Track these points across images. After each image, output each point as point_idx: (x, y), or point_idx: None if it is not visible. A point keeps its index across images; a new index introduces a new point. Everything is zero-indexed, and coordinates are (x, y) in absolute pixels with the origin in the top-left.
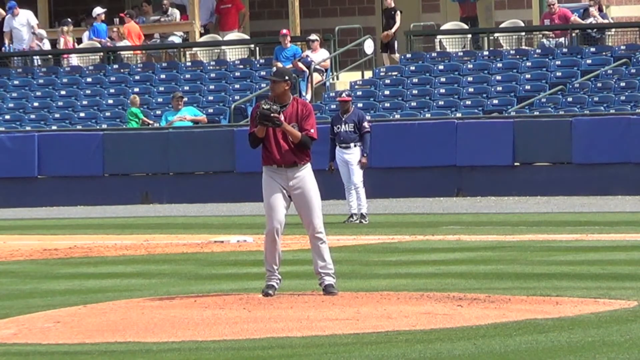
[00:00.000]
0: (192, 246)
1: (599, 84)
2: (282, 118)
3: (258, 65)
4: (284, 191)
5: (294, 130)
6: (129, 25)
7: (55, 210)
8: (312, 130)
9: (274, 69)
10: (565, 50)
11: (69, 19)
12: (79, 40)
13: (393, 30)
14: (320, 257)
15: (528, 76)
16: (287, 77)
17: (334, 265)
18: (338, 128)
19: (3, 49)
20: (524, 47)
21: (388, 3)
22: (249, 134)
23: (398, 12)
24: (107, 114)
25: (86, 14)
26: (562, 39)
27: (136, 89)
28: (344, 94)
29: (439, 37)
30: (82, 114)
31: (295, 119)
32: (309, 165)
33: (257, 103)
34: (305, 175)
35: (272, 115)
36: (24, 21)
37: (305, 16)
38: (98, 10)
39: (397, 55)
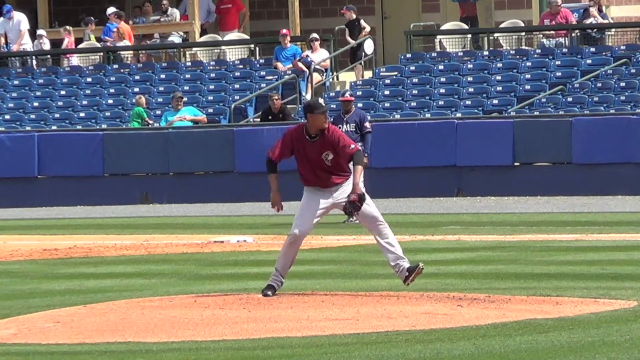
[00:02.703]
0: (192, 246)
1: (599, 84)
2: (318, 148)
3: (258, 65)
4: (327, 204)
5: (358, 177)
6: (120, 25)
7: (55, 210)
8: (352, 147)
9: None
10: (565, 50)
11: (92, 18)
12: (98, 39)
13: (366, 30)
14: (389, 252)
15: (528, 76)
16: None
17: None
18: (339, 128)
19: (2, 49)
20: (524, 47)
21: (349, 15)
22: (269, 160)
23: (362, 21)
24: (107, 114)
25: (86, 14)
26: (562, 39)
27: (136, 89)
28: (346, 94)
29: (439, 37)
30: (82, 114)
31: (329, 148)
32: (350, 177)
33: (291, 132)
34: (349, 186)
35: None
36: (17, 24)
37: (305, 16)
38: (110, 10)
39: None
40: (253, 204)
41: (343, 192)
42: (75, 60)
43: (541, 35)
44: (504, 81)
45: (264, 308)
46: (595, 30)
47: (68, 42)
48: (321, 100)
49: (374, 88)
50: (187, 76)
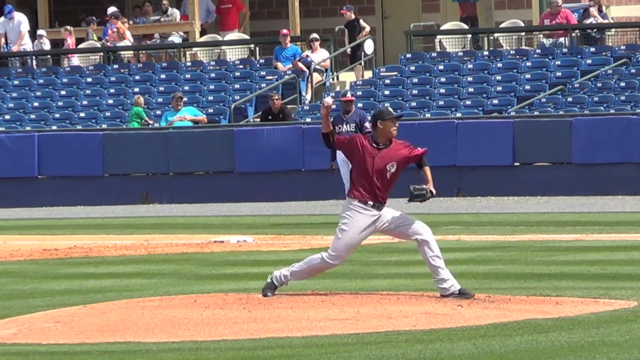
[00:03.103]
0: (192, 246)
1: (599, 84)
2: (384, 157)
3: (258, 65)
4: (369, 231)
5: (431, 176)
6: (118, 26)
7: (55, 210)
8: (419, 149)
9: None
10: (565, 50)
11: (93, 17)
12: (99, 39)
13: (366, 30)
14: (435, 271)
15: (528, 76)
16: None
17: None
18: (340, 128)
19: (2, 49)
20: (524, 47)
21: (349, 16)
22: (330, 137)
23: (362, 21)
24: (107, 114)
25: (86, 14)
26: (562, 39)
27: (136, 89)
28: (347, 94)
29: (439, 37)
30: (82, 114)
31: (395, 159)
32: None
33: (360, 137)
34: (385, 210)
35: (428, 195)
36: (17, 25)
37: (305, 16)
38: (110, 11)
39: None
40: (253, 204)
41: (385, 217)
42: (75, 60)
43: (541, 35)
44: (504, 81)
45: (264, 308)
46: (595, 30)
47: (70, 42)
48: (390, 109)
49: (374, 88)
50: (187, 76)
